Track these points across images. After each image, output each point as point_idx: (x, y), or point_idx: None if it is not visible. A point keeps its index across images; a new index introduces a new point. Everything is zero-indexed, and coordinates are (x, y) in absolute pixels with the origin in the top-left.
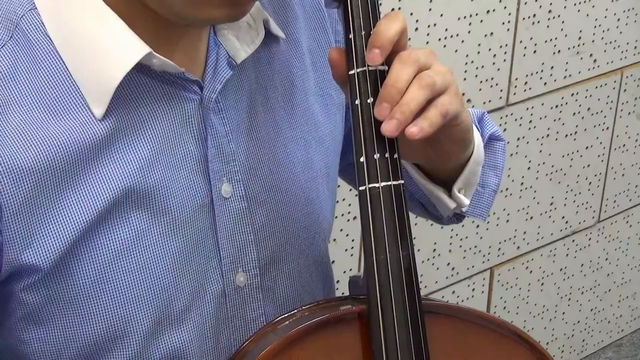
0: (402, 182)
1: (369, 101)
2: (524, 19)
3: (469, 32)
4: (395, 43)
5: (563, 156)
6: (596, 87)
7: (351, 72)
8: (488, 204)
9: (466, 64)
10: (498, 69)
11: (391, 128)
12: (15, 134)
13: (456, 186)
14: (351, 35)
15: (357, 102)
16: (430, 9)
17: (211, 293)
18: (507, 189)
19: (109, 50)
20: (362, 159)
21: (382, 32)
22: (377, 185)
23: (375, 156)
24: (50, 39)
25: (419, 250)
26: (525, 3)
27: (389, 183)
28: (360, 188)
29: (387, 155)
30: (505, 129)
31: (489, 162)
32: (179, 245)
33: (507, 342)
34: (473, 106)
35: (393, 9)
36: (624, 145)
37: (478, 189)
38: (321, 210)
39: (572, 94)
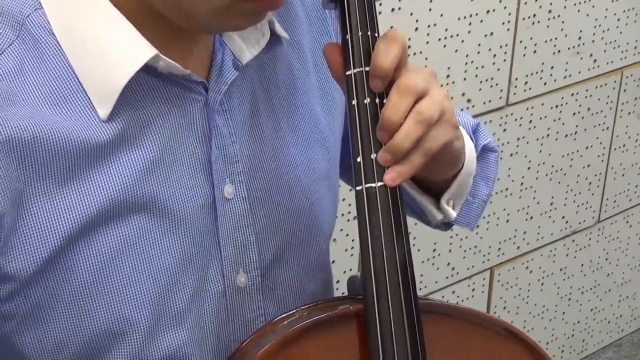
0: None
1: (365, 102)
2: (524, 19)
3: (469, 32)
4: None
5: (563, 156)
6: (596, 87)
7: (348, 72)
8: (477, 213)
9: (466, 64)
10: (498, 69)
11: (384, 160)
12: (23, 126)
13: (444, 198)
14: (348, 36)
15: (354, 102)
16: (430, 9)
17: (212, 293)
18: (507, 189)
19: (115, 52)
20: (358, 159)
21: (380, 63)
22: (373, 185)
23: (372, 156)
24: (56, 38)
25: (419, 250)
26: (525, 3)
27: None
28: (357, 188)
29: None
30: (505, 129)
31: (481, 173)
32: (180, 245)
33: (505, 342)
34: (473, 106)
35: (393, 9)
36: (624, 145)
37: (468, 198)
38: (322, 212)
39: (572, 94)
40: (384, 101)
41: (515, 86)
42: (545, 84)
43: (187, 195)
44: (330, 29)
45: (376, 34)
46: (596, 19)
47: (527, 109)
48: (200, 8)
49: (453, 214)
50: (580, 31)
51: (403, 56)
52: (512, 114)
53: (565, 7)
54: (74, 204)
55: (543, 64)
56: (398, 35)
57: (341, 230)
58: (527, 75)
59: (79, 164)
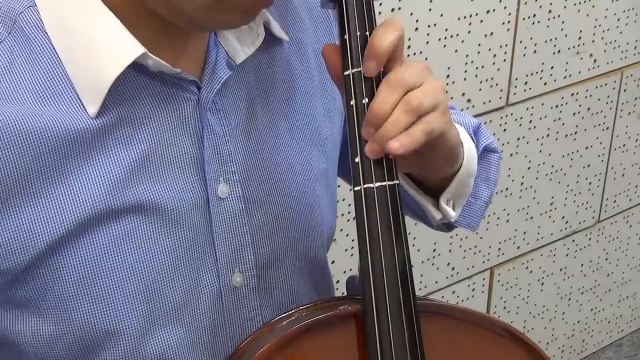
0: (397, 182)
1: (363, 102)
2: (524, 19)
3: (469, 32)
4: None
5: (563, 156)
6: (596, 87)
7: (346, 72)
8: (479, 215)
9: (466, 64)
10: (498, 69)
11: (373, 151)
12: (9, 124)
13: (443, 198)
14: (346, 36)
15: (352, 102)
16: (430, 9)
17: (207, 293)
18: (507, 189)
19: (104, 50)
20: (357, 160)
21: (378, 44)
22: (372, 185)
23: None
24: (48, 36)
25: (419, 250)
26: (525, 3)
27: (383, 183)
28: (355, 188)
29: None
30: (505, 129)
31: (482, 174)
32: (172, 244)
33: (504, 343)
34: (473, 106)
35: (393, 9)
36: (624, 145)
37: (470, 199)
38: (320, 213)
39: (572, 94)
40: None
41: (515, 86)
42: (545, 84)
43: (180, 194)
44: (334, 30)
45: None
46: (596, 19)
47: (527, 109)
48: (190, 4)
49: (452, 213)
50: (580, 31)
51: (400, 45)
52: (512, 114)
53: (565, 7)
54: (62, 204)
55: (543, 64)
56: (397, 24)
57: (341, 230)
58: (527, 75)
59: (68, 162)
